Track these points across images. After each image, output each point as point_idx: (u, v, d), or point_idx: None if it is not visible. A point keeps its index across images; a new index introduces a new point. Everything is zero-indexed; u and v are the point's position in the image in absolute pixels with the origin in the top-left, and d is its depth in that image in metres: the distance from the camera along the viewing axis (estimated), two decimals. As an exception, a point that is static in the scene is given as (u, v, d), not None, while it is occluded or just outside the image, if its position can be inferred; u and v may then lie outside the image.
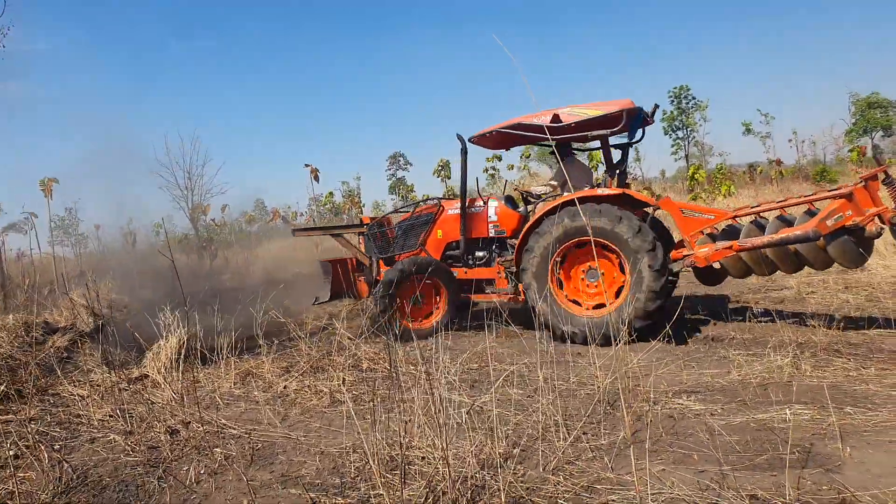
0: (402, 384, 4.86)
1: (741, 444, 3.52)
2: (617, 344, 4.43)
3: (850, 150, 30.75)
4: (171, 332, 6.27)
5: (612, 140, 7.70)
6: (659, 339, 4.70)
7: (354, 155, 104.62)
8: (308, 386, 5.41)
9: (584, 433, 3.86)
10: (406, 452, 3.46)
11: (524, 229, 7.01)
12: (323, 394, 5.17)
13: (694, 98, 48.04)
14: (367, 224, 8.86)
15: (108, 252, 21.81)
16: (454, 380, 4.43)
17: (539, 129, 7.04)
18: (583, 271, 6.85)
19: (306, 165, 24.32)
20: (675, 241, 7.10)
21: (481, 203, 7.87)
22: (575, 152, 7.91)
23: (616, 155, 7.75)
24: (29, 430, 4.36)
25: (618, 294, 6.56)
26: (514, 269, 7.26)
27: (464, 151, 7.57)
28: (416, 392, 3.96)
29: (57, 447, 4.22)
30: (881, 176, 5.76)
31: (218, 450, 3.96)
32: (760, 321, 6.70)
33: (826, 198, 5.89)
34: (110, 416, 4.74)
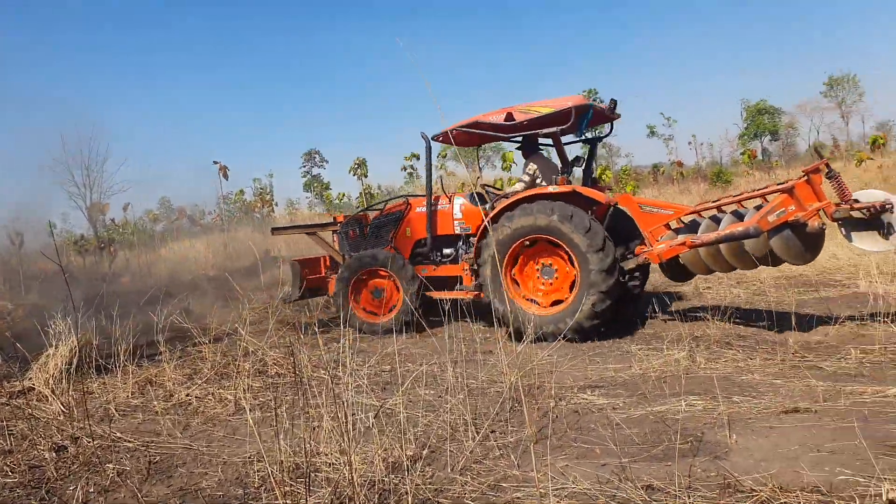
0: (310, 389, 4.76)
1: (640, 437, 3.66)
2: (523, 342, 4.52)
3: (742, 153, 32.76)
4: (62, 339, 5.88)
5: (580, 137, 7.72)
6: (564, 335, 4.83)
7: (268, 152, 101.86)
8: (212, 393, 5.22)
9: (491, 431, 3.91)
10: (313, 459, 3.40)
11: (481, 226, 7.02)
12: (228, 401, 5.00)
13: (601, 100, 49.82)
14: (340, 222, 8.85)
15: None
16: (363, 383, 4.40)
17: (494, 126, 7.10)
18: (537, 269, 6.83)
19: (215, 162, 23.53)
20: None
21: (447, 201, 7.87)
22: (542, 149, 7.90)
23: (570, 151, 7.66)
24: None
25: (571, 288, 6.55)
26: (475, 266, 7.19)
27: (428, 149, 7.61)
28: (324, 397, 3.89)
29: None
30: (823, 170, 5.71)
31: (110, 465, 3.74)
32: (660, 317, 7.01)
33: (774, 192, 5.83)
34: (-13, 434, 4.39)
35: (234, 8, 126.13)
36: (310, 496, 3.02)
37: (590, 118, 6.92)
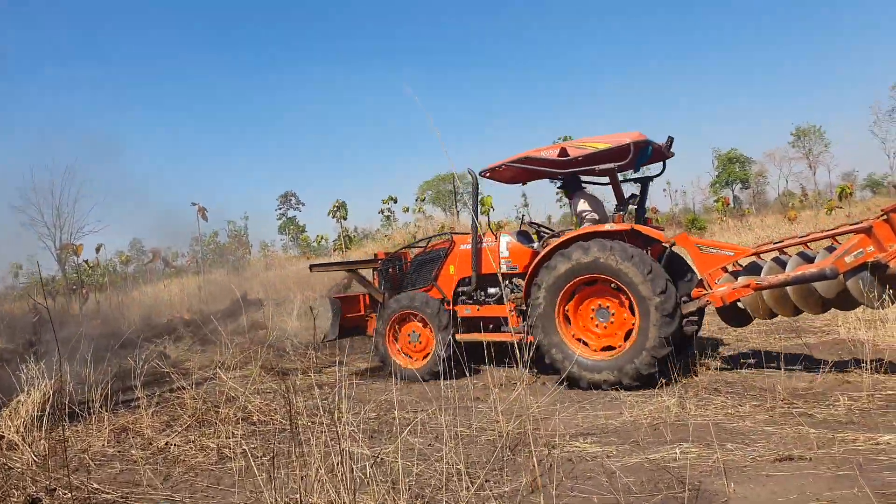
0: (299, 437, 4.64)
1: (637, 485, 3.61)
2: (518, 388, 4.47)
3: (716, 201, 33.53)
4: (34, 384, 5.68)
5: (634, 174, 7.69)
6: (559, 384, 4.79)
7: (243, 195, 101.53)
8: (193, 441, 5.06)
9: (486, 481, 3.83)
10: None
11: (533, 264, 6.77)
12: (210, 450, 4.85)
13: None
14: (381, 260, 8.70)
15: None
16: (355, 431, 4.30)
17: (547, 162, 6.98)
18: (592, 310, 6.50)
19: (193, 204, 23.33)
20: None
21: (493, 238, 7.60)
22: (585, 186, 7.78)
23: (625, 189, 7.51)
24: None
25: (627, 336, 6.21)
26: (524, 306, 6.94)
27: (475, 186, 7.43)
28: (315, 445, 3.79)
29: None
30: None
31: (90, 518, 3.59)
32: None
33: (847, 232, 5.55)
34: (-44, 486, 4.19)
35: (215, 48, 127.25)
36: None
37: (649, 155, 6.75)
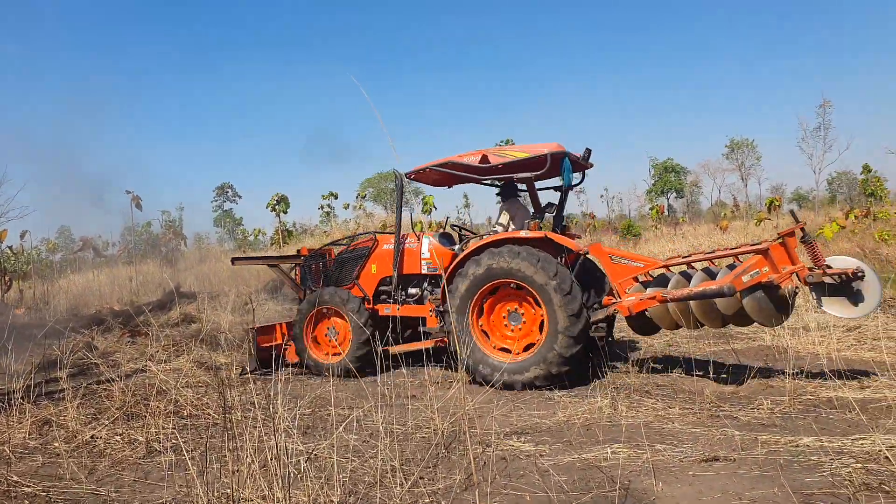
0: (232, 431, 4.56)
1: (569, 484, 3.70)
2: (455, 386, 4.51)
3: (651, 209, 34.53)
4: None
5: (551, 182, 7.80)
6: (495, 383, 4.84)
7: (177, 184, 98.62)
8: (120, 434, 4.91)
9: (420, 478, 3.85)
10: (235, 505, 3.23)
11: (449, 269, 6.90)
12: (138, 443, 4.71)
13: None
14: (304, 256, 8.59)
15: None
16: (289, 426, 4.25)
17: (469, 168, 7.07)
18: (505, 313, 6.69)
19: (128, 192, 22.51)
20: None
21: (415, 239, 7.68)
22: (520, 195, 7.86)
23: (544, 198, 7.69)
24: None
25: (535, 343, 6.40)
26: (441, 308, 7.04)
27: (400, 187, 7.48)
28: (248, 439, 3.73)
29: None
30: (798, 233, 5.77)
31: (8, 513, 3.44)
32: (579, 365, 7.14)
33: (748, 252, 5.85)
34: None
35: (155, 32, 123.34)
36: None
37: (569, 166, 6.83)
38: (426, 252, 7.55)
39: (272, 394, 4.35)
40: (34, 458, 4.49)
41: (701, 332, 8.60)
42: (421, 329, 7.25)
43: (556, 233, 7.05)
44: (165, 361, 7.76)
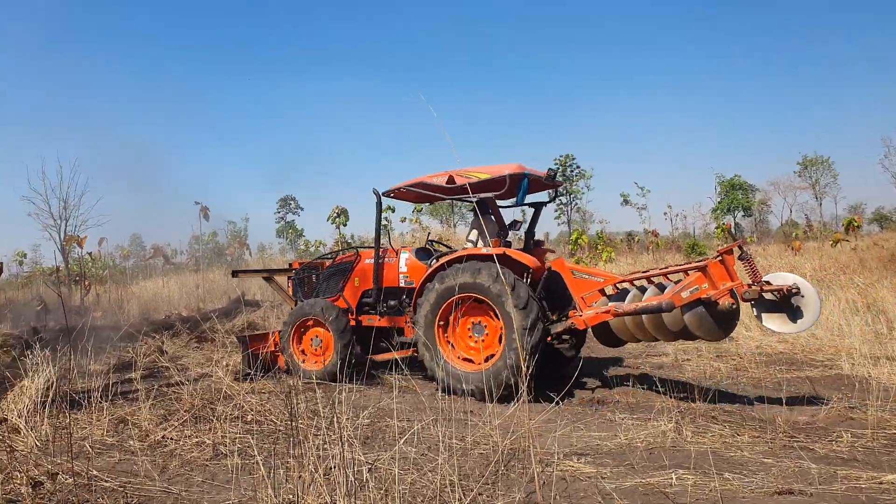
0: (299, 439, 4.66)
1: (631, 508, 3.62)
2: (515, 402, 4.49)
3: (717, 228, 33.46)
4: (38, 371, 5.72)
5: (529, 199, 7.89)
6: (556, 402, 4.80)
7: (244, 196, 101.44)
8: (188, 436, 5.08)
9: (479, 494, 3.84)
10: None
11: (420, 282, 7.24)
12: (205, 445, 4.87)
13: (578, 167, 50.95)
14: (295, 269, 9.20)
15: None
16: (350, 436, 4.31)
17: (437, 188, 7.42)
18: (470, 325, 7.00)
19: (196, 203, 23.36)
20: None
21: (394, 255, 8.13)
22: (491, 211, 8.08)
23: (509, 215, 8.05)
24: None
25: (495, 354, 6.70)
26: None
27: (378, 205, 7.79)
28: (311, 447, 3.81)
29: None
30: (736, 251, 5.99)
31: (87, 505, 3.61)
32: (642, 386, 7.02)
33: (692, 268, 6.11)
34: (-40, 465, 4.22)
35: (220, 49, 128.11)
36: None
37: (526, 186, 7.08)
38: (403, 266, 8.03)
39: (335, 403, 4.44)
40: (111, 454, 4.70)
41: (770, 359, 8.33)
42: (396, 339, 7.75)
43: (529, 248, 7.54)
44: (231, 367, 8.02)
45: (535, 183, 7.32)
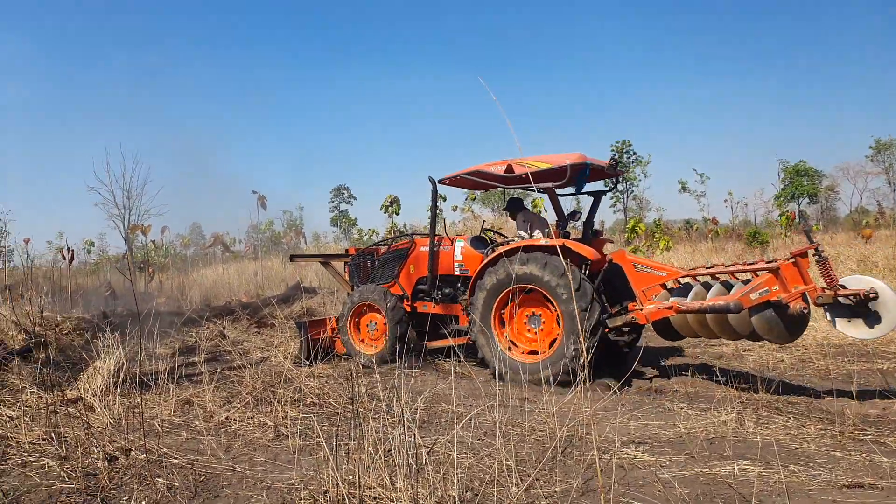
0: (359, 421, 4.76)
1: (693, 497, 3.56)
2: (572, 390, 4.47)
3: (780, 215, 32.32)
4: (109, 353, 5.99)
5: (588, 188, 7.90)
6: (613, 391, 4.76)
7: (298, 185, 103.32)
8: (251, 417, 5.24)
9: (536, 479, 3.84)
10: (358, 492, 3.37)
11: (478, 270, 7.25)
12: (267, 427, 5.01)
13: (635, 153, 49.86)
14: (352, 255, 9.43)
15: (38, 267, 20.81)
16: (409, 420, 4.37)
17: (495, 177, 7.40)
18: (527, 316, 7.02)
19: (254, 192, 23.94)
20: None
21: (449, 243, 8.20)
22: (527, 207, 8.27)
23: (565, 205, 7.87)
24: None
25: (552, 345, 6.73)
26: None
27: (434, 192, 7.82)
28: (371, 430, 3.89)
29: (-17, 471, 3.95)
30: (812, 253, 5.77)
31: (160, 480, 3.77)
32: (701, 376, 6.88)
33: (763, 269, 5.87)
34: (43, 439, 4.48)
35: (280, 44, 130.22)
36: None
37: (587, 175, 7.06)
38: (459, 255, 8.09)
39: (394, 387, 4.50)
40: (179, 433, 4.89)
41: (839, 349, 8.05)
42: (452, 326, 7.86)
43: (587, 239, 7.50)
44: (289, 352, 8.23)
45: (596, 172, 7.23)
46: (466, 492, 3.63)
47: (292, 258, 10.19)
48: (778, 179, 54.00)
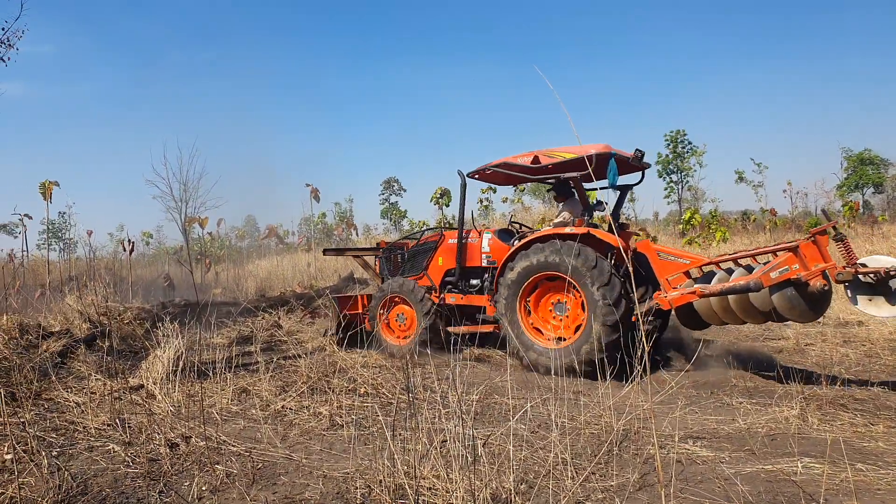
0: (413, 412, 4.78)
1: (754, 495, 3.46)
2: (628, 384, 4.40)
3: (844, 205, 31.07)
4: (168, 342, 6.17)
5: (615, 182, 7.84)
6: (672, 384, 4.67)
7: (348, 177, 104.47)
8: (306, 407, 5.32)
9: (592, 473, 3.79)
10: (413, 482, 3.38)
11: (503, 260, 7.40)
12: (322, 416, 5.08)
13: (690, 143, 48.58)
14: (382, 248, 9.73)
15: (99, 258, 21.59)
16: (464, 412, 4.37)
17: (522, 168, 7.50)
18: (552, 304, 7.15)
19: (307, 185, 24.26)
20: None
21: (476, 235, 8.31)
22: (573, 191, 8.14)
23: (593, 196, 8.08)
24: (27, 434, 4.25)
25: (577, 331, 6.81)
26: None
27: (463, 186, 7.94)
28: (426, 420, 3.90)
29: (55, 454, 4.11)
30: (831, 232, 5.81)
31: (219, 466, 3.86)
32: (760, 371, 6.68)
33: (782, 249, 5.91)
34: (108, 424, 4.64)
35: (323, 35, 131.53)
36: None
37: (615, 166, 6.93)
38: (486, 247, 8.16)
39: (448, 379, 4.51)
40: (236, 421, 5.00)
41: (907, 344, 7.70)
42: (479, 317, 7.96)
43: (613, 231, 7.05)
44: (325, 330, 8.36)
45: (623, 164, 7.19)
46: (521, 484, 3.61)
47: (325, 252, 10.40)
48: (841, 168, 51.82)
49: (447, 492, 3.25)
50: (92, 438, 4.46)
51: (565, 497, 3.37)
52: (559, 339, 6.91)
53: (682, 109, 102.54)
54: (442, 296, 8.35)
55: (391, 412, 5.11)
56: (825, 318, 10.11)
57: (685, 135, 49.17)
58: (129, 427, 4.52)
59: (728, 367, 6.88)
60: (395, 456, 3.48)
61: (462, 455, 3.45)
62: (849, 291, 5.71)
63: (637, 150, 7.17)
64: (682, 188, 49.16)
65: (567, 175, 7.34)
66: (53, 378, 5.73)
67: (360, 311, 9.01)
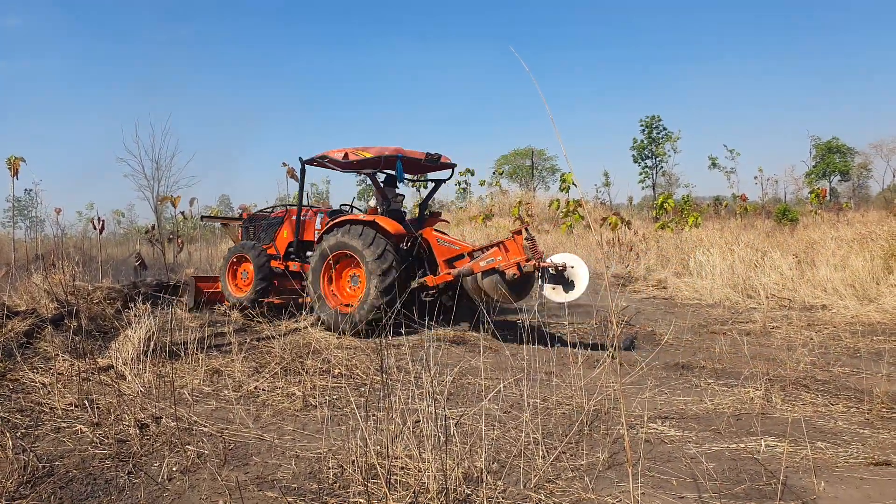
0: (387, 393, 4.79)
1: (718, 473, 3.55)
2: (599, 366, 4.45)
3: (811, 192, 31.61)
4: (139, 323, 6.09)
5: (431, 175, 9.67)
6: (642, 366, 4.74)
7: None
8: (279, 388, 5.30)
9: (563, 452, 3.85)
10: (384, 461, 3.41)
11: (317, 238, 8.78)
12: (295, 397, 5.07)
13: (665, 129, 48.99)
14: (244, 218, 11.30)
15: (68, 237, 21.18)
16: (436, 392, 4.40)
17: (336, 162, 8.65)
18: (349, 277, 8.41)
19: (283, 164, 23.96)
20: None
21: (313, 214, 9.65)
22: (399, 184, 9.26)
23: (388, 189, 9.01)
24: (-9, 414, 4.18)
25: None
26: None
27: (302, 171, 9.18)
28: (399, 401, 3.91)
29: (20, 435, 4.04)
30: (524, 232, 7.12)
31: (190, 447, 3.84)
32: (728, 353, 6.82)
33: (495, 244, 7.26)
34: (75, 405, 4.57)
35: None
36: (389, 498, 3.02)
37: (400, 167, 8.23)
38: (318, 224, 9.41)
39: (422, 360, 4.52)
40: (208, 402, 4.97)
41: (874, 327, 7.92)
42: (304, 283, 8.93)
43: (423, 219, 8.83)
44: (315, 324, 8.32)
45: (414, 164, 8.61)
46: (493, 463, 3.65)
47: (202, 218, 12.16)
48: (809, 156, 52.74)
49: (419, 471, 3.27)
50: (59, 419, 4.40)
51: (536, 476, 3.42)
52: (347, 304, 8.10)
53: (658, 95, 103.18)
54: (287, 263, 9.55)
55: (365, 393, 5.12)
56: (791, 302, 10.36)
57: (660, 120, 49.56)
58: (97, 408, 4.46)
59: (696, 349, 7.01)
60: (368, 436, 3.50)
61: (435, 435, 3.47)
62: (539, 279, 6.95)
63: (428, 153, 8.48)
64: (657, 173, 49.62)
65: (365, 171, 8.78)
66: (19, 358, 5.62)
67: (218, 289, 10.17)
